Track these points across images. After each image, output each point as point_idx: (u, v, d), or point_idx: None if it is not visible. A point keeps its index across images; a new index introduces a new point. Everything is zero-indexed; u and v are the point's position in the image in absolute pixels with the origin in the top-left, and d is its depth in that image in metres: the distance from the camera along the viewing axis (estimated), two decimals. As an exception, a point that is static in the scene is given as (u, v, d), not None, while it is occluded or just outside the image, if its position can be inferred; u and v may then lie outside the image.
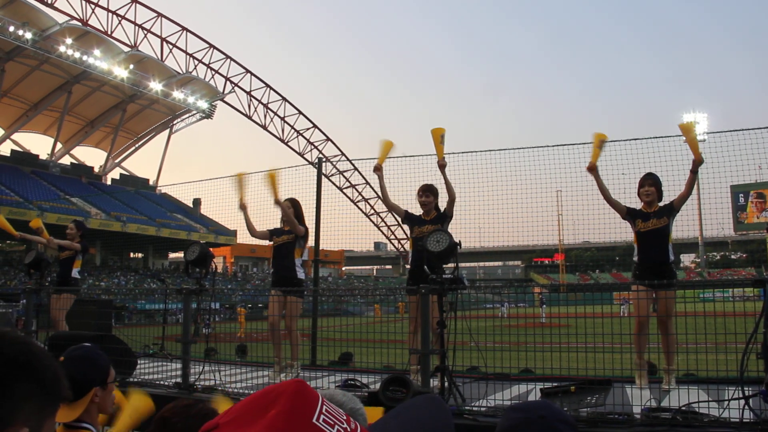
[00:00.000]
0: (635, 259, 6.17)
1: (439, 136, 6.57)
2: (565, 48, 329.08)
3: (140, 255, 60.82)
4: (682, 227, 6.46)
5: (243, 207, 7.24)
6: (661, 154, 8.68)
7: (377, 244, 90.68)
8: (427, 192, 6.72)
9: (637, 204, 6.28)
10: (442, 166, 6.51)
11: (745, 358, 4.12)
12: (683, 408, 4.27)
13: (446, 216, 6.65)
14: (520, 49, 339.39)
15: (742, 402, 4.04)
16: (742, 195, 63.60)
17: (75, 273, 9.09)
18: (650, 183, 6.14)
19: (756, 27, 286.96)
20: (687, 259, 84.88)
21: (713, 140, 9.06)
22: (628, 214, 6.18)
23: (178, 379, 6.14)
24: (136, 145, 59.10)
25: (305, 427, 0.89)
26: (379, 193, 7.08)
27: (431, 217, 6.71)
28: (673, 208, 6.09)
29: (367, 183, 58.39)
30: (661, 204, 6.16)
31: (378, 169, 6.77)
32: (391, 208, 6.97)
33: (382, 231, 70.72)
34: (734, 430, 3.96)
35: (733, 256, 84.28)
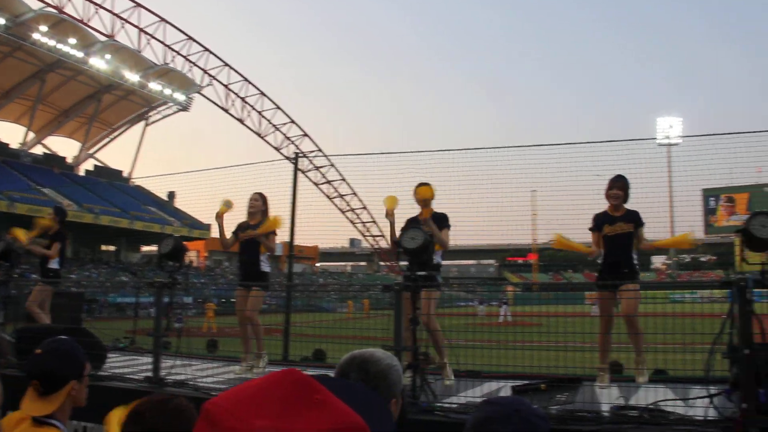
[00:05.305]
0: (599, 261, 6.20)
1: None
2: (541, 44, 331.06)
3: (112, 248, 60.04)
4: (654, 229, 6.53)
5: (220, 216, 7.20)
6: (633, 157, 8.80)
7: (352, 241, 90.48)
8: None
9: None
10: None
11: (711, 358, 4.19)
12: (650, 406, 4.34)
13: (441, 218, 6.48)
14: (496, 44, 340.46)
15: (707, 400, 4.12)
16: (713, 198, 64.58)
17: (53, 264, 8.83)
18: (619, 186, 6.15)
19: (738, 30, 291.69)
20: (658, 261, 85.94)
21: (687, 144, 9.21)
22: (595, 226, 6.19)
23: (149, 374, 6.09)
24: (111, 137, 58.30)
25: (344, 408, 0.90)
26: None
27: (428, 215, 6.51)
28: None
29: (344, 179, 58.26)
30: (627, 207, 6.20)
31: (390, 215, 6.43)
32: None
33: (357, 227, 70.64)
34: (699, 428, 4.04)
35: (702, 259, 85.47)
